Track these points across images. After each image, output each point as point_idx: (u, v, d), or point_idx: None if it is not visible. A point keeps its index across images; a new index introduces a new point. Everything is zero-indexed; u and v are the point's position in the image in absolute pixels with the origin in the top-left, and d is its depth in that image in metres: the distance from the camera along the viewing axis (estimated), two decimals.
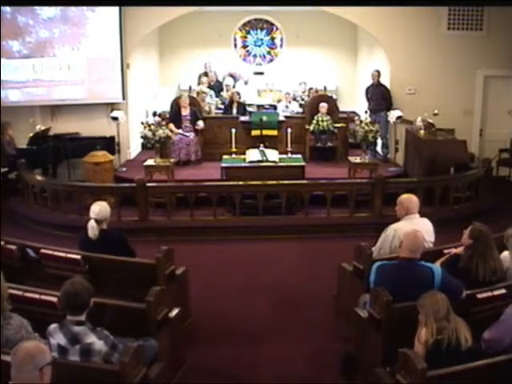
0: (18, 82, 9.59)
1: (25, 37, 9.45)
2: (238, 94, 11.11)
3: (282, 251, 7.11)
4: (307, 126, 10.03)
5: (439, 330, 3.29)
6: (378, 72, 10.27)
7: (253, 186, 7.82)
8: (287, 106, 11.25)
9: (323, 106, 10.04)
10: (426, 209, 6.67)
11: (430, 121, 9.20)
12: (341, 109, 10.88)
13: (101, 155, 8.74)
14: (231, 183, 7.96)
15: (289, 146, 8.80)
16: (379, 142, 10.14)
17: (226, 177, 8.30)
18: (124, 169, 9.79)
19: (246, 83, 12.82)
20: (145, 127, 8.72)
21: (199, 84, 11.71)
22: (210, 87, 11.83)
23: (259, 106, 10.37)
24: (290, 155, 8.66)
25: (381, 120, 9.80)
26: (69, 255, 4.85)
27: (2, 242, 5.04)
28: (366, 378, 4.02)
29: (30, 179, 8.40)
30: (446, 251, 4.72)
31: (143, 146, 10.55)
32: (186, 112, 9.78)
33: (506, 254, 4.35)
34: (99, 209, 4.89)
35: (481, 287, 4.04)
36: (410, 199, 5.00)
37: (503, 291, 4.01)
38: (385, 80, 10.27)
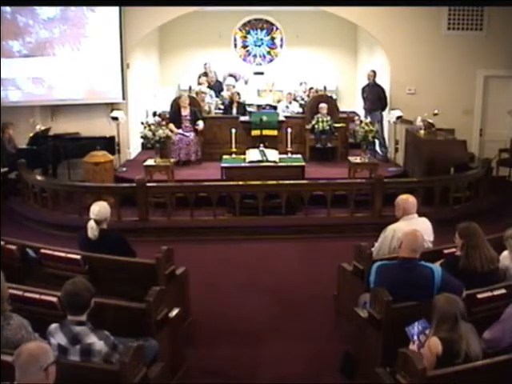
0: (18, 81, 9.59)
1: (25, 37, 9.45)
2: (238, 94, 11.11)
3: (282, 251, 7.11)
4: (307, 126, 10.04)
5: (448, 341, 3.20)
6: (374, 72, 10.30)
7: (253, 186, 7.82)
8: (287, 107, 11.24)
9: (323, 106, 10.04)
10: (426, 209, 6.69)
11: (430, 121, 9.20)
12: (341, 109, 10.88)
13: (101, 155, 8.73)
14: (231, 183, 7.96)
15: (289, 146, 8.80)
16: (376, 141, 10.14)
17: (226, 177, 8.29)
18: (124, 169, 9.78)
19: (246, 83, 12.83)
20: (145, 127, 8.73)
21: (199, 84, 11.71)
22: (209, 87, 11.83)
23: (259, 106, 10.36)
24: (290, 155, 8.66)
25: (376, 119, 9.80)
26: (69, 255, 4.85)
27: (2, 242, 5.04)
28: (365, 378, 4.03)
29: (30, 179, 8.40)
30: (446, 251, 4.72)
31: (143, 146, 10.57)
32: (185, 112, 9.79)
33: (505, 253, 4.37)
34: (99, 209, 4.89)
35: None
36: (405, 200, 5.00)
37: (503, 291, 4.02)
38: (385, 80, 10.28)
